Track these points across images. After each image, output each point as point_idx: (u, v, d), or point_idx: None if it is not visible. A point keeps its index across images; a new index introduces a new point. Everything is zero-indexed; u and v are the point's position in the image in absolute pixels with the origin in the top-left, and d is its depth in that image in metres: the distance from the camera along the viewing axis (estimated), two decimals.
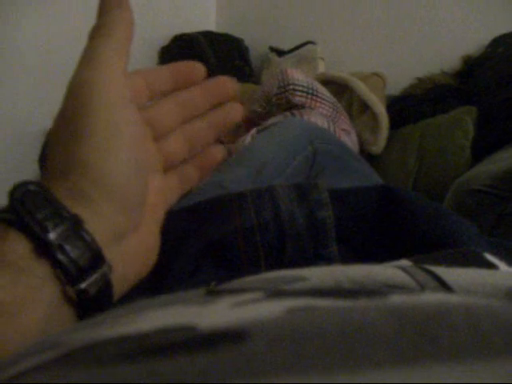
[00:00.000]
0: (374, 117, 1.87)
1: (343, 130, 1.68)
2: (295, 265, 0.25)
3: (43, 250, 0.27)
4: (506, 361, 0.16)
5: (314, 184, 0.42)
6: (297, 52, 2.38)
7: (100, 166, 0.31)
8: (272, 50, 2.48)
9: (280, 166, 0.94)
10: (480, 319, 0.17)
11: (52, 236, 0.28)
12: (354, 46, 2.35)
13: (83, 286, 0.29)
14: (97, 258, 0.30)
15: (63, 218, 0.28)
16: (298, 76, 1.68)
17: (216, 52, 2.39)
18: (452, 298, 0.20)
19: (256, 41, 2.57)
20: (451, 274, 0.23)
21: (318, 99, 1.68)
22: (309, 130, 1.07)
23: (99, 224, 0.31)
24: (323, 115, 1.65)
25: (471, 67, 2.02)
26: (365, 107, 1.91)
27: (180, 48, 2.41)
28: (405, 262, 0.27)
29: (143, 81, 0.39)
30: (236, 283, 0.24)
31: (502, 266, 0.28)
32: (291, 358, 0.16)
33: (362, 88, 1.91)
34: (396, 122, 1.91)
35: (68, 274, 0.28)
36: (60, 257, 0.28)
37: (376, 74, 2.15)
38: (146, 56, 2.35)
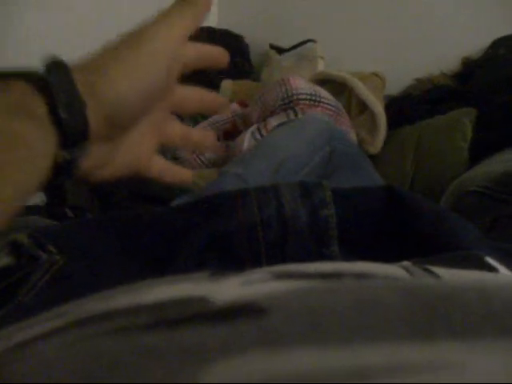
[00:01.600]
0: (372, 117, 1.86)
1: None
2: (297, 262, 0.26)
3: (54, 118, 0.34)
4: None
5: (318, 183, 0.42)
6: (297, 50, 2.38)
7: (119, 84, 0.38)
8: (272, 47, 2.48)
9: (301, 162, 0.96)
10: (492, 300, 0.18)
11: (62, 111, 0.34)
12: (354, 45, 2.35)
13: (68, 156, 0.35)
14: (84, 136, 0.36)
15: (77, 101, 0.35)
16: (301, 84, 1.67)
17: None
18: (467, 279, 0.21)
19: (256, 38, 2.57)
20: (451, 274, 0.23)
21: (321, 104, 1.67)
22: (329, 129, 1.09)
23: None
24: (324, 114, 1.65)
25: (471, 69, 2.02)
26: (363, 107, 1.90)
27: None
28: (406, 264, 0.27)
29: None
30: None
31: (503, 269, 0.28)
32: (309, 330, 0.16)
33: (360, 88, 1.90)
34: (394, 123, 1.91)
35: (65, 135, 0.34)
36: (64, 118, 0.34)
37: (375, 75, 2.14)
38: None
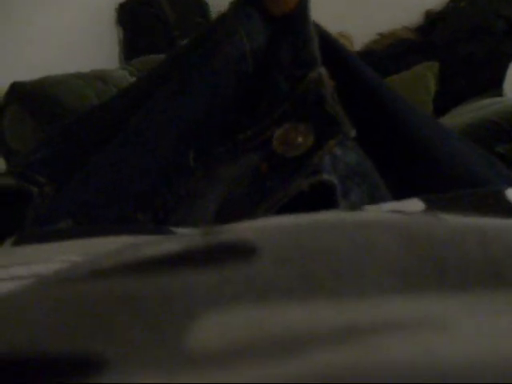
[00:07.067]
0: None
1: None
2: None
3: None
4: None
5: None
6: None
7: None
8: None
9: None
10: (493, 247, 0.17)
11: None
12: (316, 1, 2.31)
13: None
14: None
15: None
16: None
17: (175, 9, 2.33)
18: (468, 221, 0.19)
19: None
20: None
21: None
22: None
23: None
24: None
25: (433, 22, 2.02)
26: None
27: (138, 4, 2.34)
28: (416, 203, 0.26)
29: None
30: None
31: None
32: (300, 279, 0.16)
33: None
34: None
35: None
36: None
37: (342, 35, 2.12)
38: (103, 12, 2.28)
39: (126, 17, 2.36)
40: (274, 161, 0.40)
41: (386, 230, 0.17)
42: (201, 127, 0.42)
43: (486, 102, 1.31)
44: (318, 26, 0.44)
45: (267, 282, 0.16)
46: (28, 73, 1.53)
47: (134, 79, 1.69)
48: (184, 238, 0.19)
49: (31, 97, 1.47)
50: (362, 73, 0.44)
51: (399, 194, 0.38)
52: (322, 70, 0.41)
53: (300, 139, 0.40)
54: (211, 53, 0.42)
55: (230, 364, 0.13)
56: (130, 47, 2.36)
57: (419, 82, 1.74)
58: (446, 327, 0.14)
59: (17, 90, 1.48)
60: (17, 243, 0.32)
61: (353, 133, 0.39)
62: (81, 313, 0.15)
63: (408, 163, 0.42)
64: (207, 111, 0.42)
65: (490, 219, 0.20)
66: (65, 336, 0.14)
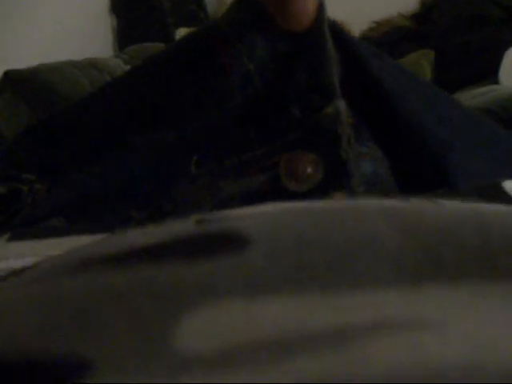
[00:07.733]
0: None
1: None
2: None
3: None
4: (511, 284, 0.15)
5: None
6: None
7: None
8: None
9: None
10: (491, 237, 0.16)
11: None
12: None
13: None
14: None
15: None
16: None
17: None
18: (466, 206, 0.19)
19: None
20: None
21: None
22: None
23: None
24: None
25: (429, 9, 2.02)
26: None
27: None
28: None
29: None
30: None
31: None
32: (293, 272, 0.15)
33: None
34: None
35: None
36: None
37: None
38: (97, 1, 2.27)
39: (119, 5, 2.35)
40: (278, 189, 0.39)
41: (383, 219, 0.17)
42: (204, 138, 0.41)
43: (482, 90, 1.31)
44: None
45: (260, 275, 0.15)
46: (22, 60, 1.53)
47: (127, 67, 1.69)
48: (174, 226, 0.19)
49: (25, 84, 1.46)
50: (368, 62, 0.43)
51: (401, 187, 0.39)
52: (341, 105, 0.39)
53: (309, 170, 0.38)
54: (213, 76, 0.41)
55: (216, 370, 0.13)
56: (124, 35, 2.35)
57: (414, 70, 1.73)
58: (442, 325, 0.14)
59: (10, 77, 1.47)
60: (11, 239, 0.32)
61: (362, 187, 0.39)
62: (65, 311, 0.15)
63: (409, 154, 0.42)
64: (211, 126, 0.41)
65: (490, 204, 0.19)
66: (50, 338, 0.14)
